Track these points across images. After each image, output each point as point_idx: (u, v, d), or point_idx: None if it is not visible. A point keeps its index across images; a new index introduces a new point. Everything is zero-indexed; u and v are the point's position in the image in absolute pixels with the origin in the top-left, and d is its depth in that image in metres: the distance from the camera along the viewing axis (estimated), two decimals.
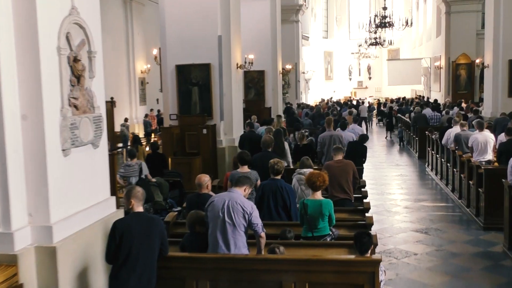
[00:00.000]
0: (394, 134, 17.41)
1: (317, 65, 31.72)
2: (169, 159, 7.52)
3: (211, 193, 4.18)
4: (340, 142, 7.76)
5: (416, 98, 23.29)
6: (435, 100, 18.04)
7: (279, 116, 10.33)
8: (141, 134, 13.40)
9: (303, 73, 24.19)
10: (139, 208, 3.08)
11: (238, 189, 3.56)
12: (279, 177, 4.57)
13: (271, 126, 8.64)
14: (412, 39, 30.06)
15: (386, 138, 18.08)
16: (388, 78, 26.95)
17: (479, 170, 7.17)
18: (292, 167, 6.79)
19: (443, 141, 9.56)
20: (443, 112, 14.38)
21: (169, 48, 8.21)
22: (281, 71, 15.68)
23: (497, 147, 7.57)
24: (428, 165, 11.79)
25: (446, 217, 7.24)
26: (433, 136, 11.07)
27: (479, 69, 17.00)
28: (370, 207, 5.16)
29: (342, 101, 22.90)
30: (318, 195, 4.17)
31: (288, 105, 18.33)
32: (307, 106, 16.84)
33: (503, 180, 6.27)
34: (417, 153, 13.68)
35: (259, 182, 4.84)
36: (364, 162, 8.19)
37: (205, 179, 4.20)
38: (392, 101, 22.49)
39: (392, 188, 9.46)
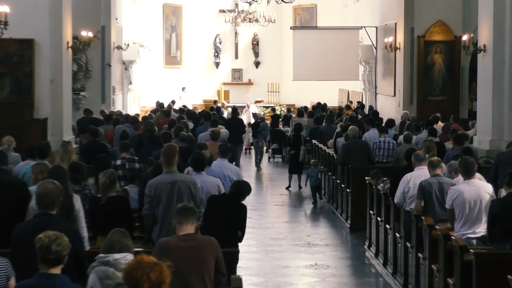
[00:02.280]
0: (304, 179, 18.45)
1: (151, 35, 32.95)
2: None
3: None
4: (192, 197, 8.51)
5: (347, 109, 24.92)
6: (386, 121, 20.19)
7: (65, 145, 11.43)
8: None
9: (119, 48, 24.65)
10: None
11: None
12: None
13: (45, 162, 9.71)
14: None
15: (288, 188, 19.37)
16: (293, 67, 28.50)
17: (465, 256, 7.76)
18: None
19: (397, 197, 10.19)
20: (400, 138, 15.66)
21: None
22: (70, 44, 16.78)
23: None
24: (369, 246, 12.63)
25: None
26: (380, 186, 11.88)
27: (469, 53, 18.38)
28: None
29: (198, 111, 23.56)
30: None
31: (87, 114, 19.46)
32: (134, 120, 17.02)
33: (510, 277, 6.88)
34: (349, 221, 14.75)
35: None
36: (240, 239, 8.89)
37: None
38: (300, 112, 23.68)
39: None
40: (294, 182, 19.32)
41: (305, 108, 24.46)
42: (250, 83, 35.40)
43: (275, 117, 25.02)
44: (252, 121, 25.49)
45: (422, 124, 17.63)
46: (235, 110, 21.36)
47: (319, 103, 25.95)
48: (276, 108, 31.07)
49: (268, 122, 24.46)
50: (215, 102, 28.03)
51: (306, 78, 29.08)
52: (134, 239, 8.38)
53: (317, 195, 17.36)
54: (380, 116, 20.50)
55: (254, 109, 29.53)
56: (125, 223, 8.21)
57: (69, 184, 7.87)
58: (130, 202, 9.32)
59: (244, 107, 29.23)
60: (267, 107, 31.72)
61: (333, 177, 16.55)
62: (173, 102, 26.25)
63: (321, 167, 17.66)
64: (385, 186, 11.54)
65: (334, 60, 27.31)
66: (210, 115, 18.86)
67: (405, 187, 10.00)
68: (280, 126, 24.58)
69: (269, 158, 24.42)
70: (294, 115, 24.33)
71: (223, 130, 16.43)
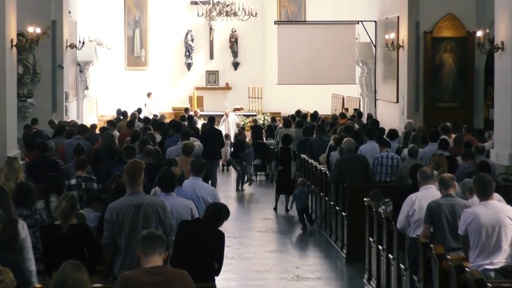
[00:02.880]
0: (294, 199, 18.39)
1: (111, 31, 33.40)
2: None
3: None
4: (160, 223, 8.46)
5: (342, 118, 24.76)
6: (388, 131, 20.39)
7: (11, 161, 11.47)
8: None
9: (72, 47, 24.61)
10: None
11: None
12: None
13: None
14: None
15: (274, 208, 19.58)
16: (278, 68, 28.78)
17: None
18: None
19: (400, 222, 10.22)
20: (404, 152, 15.66)
21: None
22: (15, 43, 16.68)
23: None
24: (369, 279, 12.65)
25: None
26: (381, 208, 11.86)
27: (484, 52, 18.49)
28: None
29: (166, 120, 23.55)
30: None
31: (27, 129, 19.58)
32: (82, 129, 17.27)
33: None
34: (345, 250, 14.78)
35: None
36: (217, 272, 8.88)
37: None
38: (287, 122, 23.51)
39: None
40: (281, 203, 19.37)
41: (293, 116, 24.49)
42: (227, 87, 35.52)
43: (256, 128, 25.04)
44: (233, 132, 25.57)
45: (431, 136, 17.65)
46: (212, 120, 21.38)
47: (298, 112, 26.00)
48: (259, 117, 31.17)
49: (248, 133, 24.52)
50: (186, 110, 28.06)
51: (293, 82, 29.18)
52: (96, 273, 8.37)
53: (306, 219, 17.39)
54: (380, 126, 20.59)
55: (233, 118, 29.61)
56: (89, 256, 8.12)
57: (12, 207, 7.84)
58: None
59: (222, 116, 29.27)
60: (247, 116, 31.77)
61: (326, 198, 16.58)
62: (139, 110, 26.31)
63: (311, 186, 17.69)
64: (387, 209, 11.50)
65: (326, 61, 27.45)
66: (180, 125, 18.98)
67: (409, 209, 9.99)
68: (263, 138, 24.53)
69: (252, 173, 24.39)
70: (280, 125, 24.40)
71: (197, 144, 16.47)
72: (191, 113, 27.56)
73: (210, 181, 16.00)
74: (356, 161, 15.14)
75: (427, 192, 9.99)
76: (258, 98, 34.44)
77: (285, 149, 19.28)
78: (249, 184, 23.05)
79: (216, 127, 22.41)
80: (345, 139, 15.79)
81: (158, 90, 33.49)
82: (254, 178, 24.31)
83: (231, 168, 24.96)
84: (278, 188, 19.45)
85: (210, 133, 20.24)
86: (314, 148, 19.00)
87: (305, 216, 17.43)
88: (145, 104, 30.50)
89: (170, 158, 13.53)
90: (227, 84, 35.55)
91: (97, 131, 19.70)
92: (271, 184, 22.85)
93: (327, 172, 16.44)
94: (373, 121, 21.33)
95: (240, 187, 22.62)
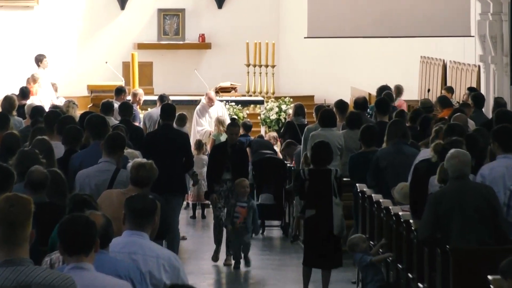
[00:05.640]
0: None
1: None
2: None
3: None
4: None
5: (443, 106, 25.41)
6: None
7: None
8: None
9: None
10: None
11: None
12: None
13: None
14: None
15: None
16: (308, 8, 29.80)
17: None
18: None
19: None
20: None
21: None
22: None
23: None
24: None
25: None
26: None
27: None
28: None
29: (76, 112, 23.64)
30: None
31: None
32: None
33: None
34: None
35: None
36: None
37: None
38: (327, 116, 23.38)
39: None
40: (316, 284, 19.60)
41: (340, 105, 24.39)
42: (203, 44, 36.60)
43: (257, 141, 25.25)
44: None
45: None
46: (170, 111, 21.37)
47: (359, 101, 25.89)
48: (269, 106, 31.91)
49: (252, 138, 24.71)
50: (118, 91, 28.12)
51: (335, 34, 29.73)
52: None
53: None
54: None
55: (218, 107, 30.09)
56: None
57: None
58: None
59: (194, 102, 30.17)
60: (244, 104, 32.68)
61: (409, 273, 16.95)
62: (23, 93, 26.70)
63: (380, 251, 18.06)
64: None
65: None
66: (105, 123, 18.84)
67: None
68: (276, 149, 24.55)
69: (253, 230, 24.21)
70: (307, 122, 24.70)
71: (137, 162, 16.41)
72: (128, 97, 27.59)
73: (165, 241, 15.98)
74: (473, 196, 15.24)
75: None
76: (265, 67, 35.23)
77: (320, 172, 19.57)
78: (244, 253, 22.76)
79: (178, 126, 22.79)
80: (451, 152, 15.83)
81: (59, 51, 34.20)
82: (259, 232, 24.38)
83: (210, 212, 25.09)
84: (308, 256, 19.71)
85: (165, 139, 20.54)
86: (384, 171, 19.26)
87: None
88: (33, 79, 30.64)
89: (83, 194, 13.63)
90: (202, 37, 36.51)
91: None
92: (292, 245, 23.03)
93: (411, 222, 16.61)
94: (505, 114, 21.28)
95: (229, 255, 22.79)
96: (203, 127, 27.75)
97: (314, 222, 19.29)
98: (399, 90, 28.21)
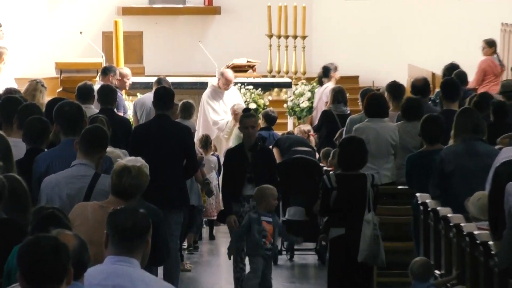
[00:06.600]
0: None
1: None
2: None
3: None
4: None
5: None
6: None
7: None
8: None
9: None
10: None
11: None
12: None
13: None
14: None
15: None
16: None
17: None
18: None
19: None
20: None
21: None
22: None
23: None
24: None
25: None
26: None
27: None
28: None
29: (42, 100, 23.69)
30: None
31: None
32: None
33: None
34: None
35: None
36: None
37: None
38: (380, 103, 23.48)
39: None
40: None
41: (395, 88, 24.27)
42: (210, 7, 37.00)
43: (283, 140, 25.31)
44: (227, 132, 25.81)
45: None
46: (168, 97, 21.34)
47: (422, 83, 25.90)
48: (298, 90, 32.18)
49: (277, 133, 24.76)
50: (106, 70, 28.19)
51: None
52: None
53: None
54: None
55: (233, 93, 30.44)
56: None
57: None
58: None
59: (199, 84, 30.31)
60: (265, 87, 32.89)
61: None
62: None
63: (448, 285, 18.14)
64: None
65: None
66: (79, 112, 18.70)
67: None
68: (312, 146, 24.65)
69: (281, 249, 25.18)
70: (349, 111, 24.63)
71: (121, 164, 16.29)
72: (114, 81, 27.67)
73: (163, 279, 15.86)
74: None
75: None
76: (294, 39, 35.60)
77: (351, 178, 19.66)
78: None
79: (182, 119, 22.98)
80: None
81: (20, 16, 34.71)
82: (288, 256, 24.45)
83: (220, 231, 24.98)
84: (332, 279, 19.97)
85: (160, 134, 20.73)
86: (452, 177, 19.32)
87: None
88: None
89: (50, 207, 13.40)
90: None
91: None
92: (324, 272, 22.94)
93: (491, 244, 16.48)
94: None
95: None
96: (221, 116, 27.29)
97: (342, 245, 19.45)
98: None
